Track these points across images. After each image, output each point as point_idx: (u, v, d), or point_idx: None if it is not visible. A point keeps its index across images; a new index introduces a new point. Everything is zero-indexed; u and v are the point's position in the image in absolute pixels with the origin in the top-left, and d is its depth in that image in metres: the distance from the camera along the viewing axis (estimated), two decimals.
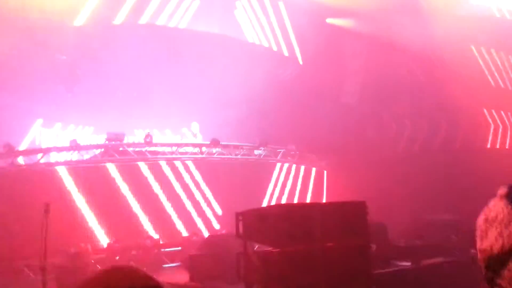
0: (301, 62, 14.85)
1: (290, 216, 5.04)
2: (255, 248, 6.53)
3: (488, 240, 0.83)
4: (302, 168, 13.27)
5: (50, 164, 11.20)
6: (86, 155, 11.76)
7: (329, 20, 14.41)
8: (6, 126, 13.99)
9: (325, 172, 13.97)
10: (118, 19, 12.47)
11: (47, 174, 10.73)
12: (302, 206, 5.33)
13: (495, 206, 0.83)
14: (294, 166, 13.07)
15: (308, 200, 12.71)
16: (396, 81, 14.10)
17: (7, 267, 9.39)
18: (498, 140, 16.12)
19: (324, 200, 13.27)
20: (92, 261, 9.50)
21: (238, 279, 5.68)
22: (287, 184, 12.70)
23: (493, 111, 16.15)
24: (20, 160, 11.48)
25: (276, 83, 13.80)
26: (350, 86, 14.45)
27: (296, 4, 13.99)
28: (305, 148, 13.60)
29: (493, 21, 15.70)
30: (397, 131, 15.21)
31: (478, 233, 0.89)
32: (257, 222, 5.22)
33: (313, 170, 13.54)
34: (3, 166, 11.09)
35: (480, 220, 0.86)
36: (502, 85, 16.48)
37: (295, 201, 12.44)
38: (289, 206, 5.06)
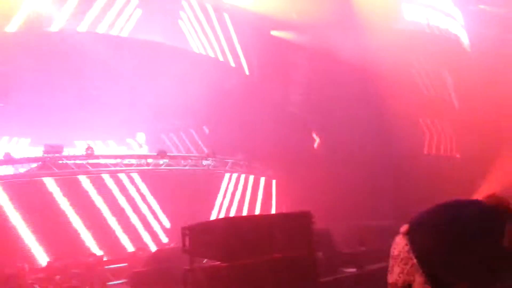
0: (247, 73, 15.01)
1: (236, 230, 5.04)
2: (203, 262, 6.46)
3: (393, 275, 0.89)
4: (251, 178, 13.35)
5: None
6: (22, 169, 11.06)
7: (274, 33, 14.72)
8: None
9: (273, 181, 14.15)
10: (55, 26, 11.90)
11: None
12: (247, 218, 5.36)
13: (398, 244, 0.88)
14: (243, 176, 13.11)
15: (257, 211, 12.79)
16: (335, 91, 14.66)
17: None
18: (434, 147, 17.25)
19: (273, 210, 13.42)
20: (30, 282, 8.91)
21: None
22: (236, 194, 12.71)
23: (428, 119, 17.28)
24: None
25: (223, 93, 13.82)
26: (294, 96, 14.80)
27: (241, 15, 14.16)
28: (253, 157, 13.71)
29: (423, 36, 16.95)
30: (338, 139, 15.76)
31: (388, 267, 0.94)
32: (204, 236, 5.17)
33: (262, 179, 13.67)
34: None
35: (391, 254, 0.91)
36: (433, 94, 17.68)
37: (245, 211, 12.46)
38: (235, 219, 5.07)
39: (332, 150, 15.21)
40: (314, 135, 16.19)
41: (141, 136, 12.42)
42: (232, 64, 14.40)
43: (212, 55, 14.06)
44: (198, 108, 14.36)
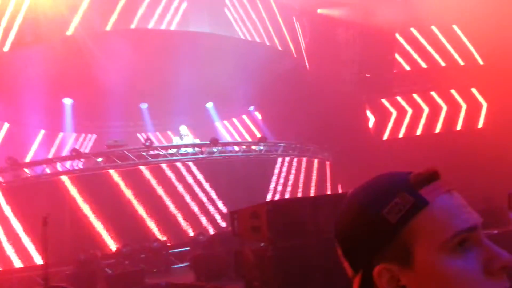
0: (295, 55, 14.82)
1: (282, 212, 5.10)
2: (256, 245, 6.63)
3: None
4: (304, 160, 13.29)
5: (54, 174, 11.40)
6: (88, 164, 11.95)
7: (320, 11, 14.35)
8: (9, 139, 14.28)
9: (327, 163, 13.98)
10: (109, 25, 12.55)
11: (51, 184, 10.93)
12: (293, 201, 5.38)
13: None
14: (295, 159, 13.09)
15: (312, 193, 12.75)
16: (389, 67, 14.09)
17: (20, 277, 9.64)
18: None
19: (328, 191, 13.30)
20: (102, 266, 9.71)
21: (238, 277, 5.77)
22: (290, 177, 12.73)
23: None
24: (25, 172, 11.68)
25: (272, 77, 13.81)
26: (346, 75, 14.41)
27: None
28: (306, 140, 13.61)
29: None
30: (397, 117, 15.17)
31: None
32: (251, 220, 5.29)
33: (315, 162, 13.56)
34: (9, 180, 11.32)
35: None
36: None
37: (299, 194, 12.49)
38: (280, 202, 5.12)
39: (388, 128, 14.71)
40: (369, 114, 15.70)
41: (183, 128, 12.88)
42: (280, 48, 14.29)
43: (259, 40, 14.06)
44: (248, 94, 14.53)
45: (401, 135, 15.05)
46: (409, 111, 15.24)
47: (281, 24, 14.30)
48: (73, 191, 10.68)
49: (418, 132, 15.04)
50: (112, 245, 10.54)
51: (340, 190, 13.29)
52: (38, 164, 11.71)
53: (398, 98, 15.26)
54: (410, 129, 14.99)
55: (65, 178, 10.94)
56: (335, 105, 13.74)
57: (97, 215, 10.55)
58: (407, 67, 15.11)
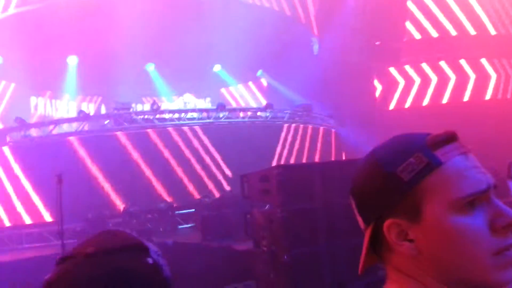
0: (304, 22, 14.59)
1: (292, 176, 5.22)
2: (263, 208, 6.82)
3: None
4: (310, 128, 13.36)
5: (62, 135, 11.53)
6: (96, 125, 12.05)
7: None
8: (16, 99, 14.33)
9: (333, 131, 14.06)
10: None
11: (59, 144, 11.08)
12: (301, 166, 5.51)
13: None
14: (301, 126, 13.16)
15: (317, 160, 12.90)
16: (399, 36, 13.86)
17: (28, 235, 9.97)
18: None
19: (333, 159, 13.44)
20: (110, 225, 9.99)
21: (246, 237, 5.99)
22: (295, 144, 12.85)
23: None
24: (33, 132, 11.80)
25: (282, 44, 13.65)
26: (353, 43, 14.19)
27: None
28: (313, 108, 13.60)
29: None
30: (405, 87, 15.08)
31: None
32: (260, 183, 5.43)
33: (321, 129, 13.63)
34: (17, 139, 11.46)
35: None
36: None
37: (304, 161, 12.64)
38: (290, 166, 5.24)
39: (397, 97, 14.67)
40: (376, 83, 15.59)
41: (188, 96, 12.91)
42: (288, 13, 14.05)
43: (267, 4, 13.80)
44: (256, 59, 14.40)
45: (407, 105, 15.02)
46: (417, 80, 15.13)
47: None
48: (81, 152, 10.84)
49: (425, 102, 14.99)
50: (120, 205, 10.81)
51: (344, 158, 13.42)
52: (45, 125, 11.81)
53: (407, 67, 15.11)
54: (417, 99, 14.93)
55: (73, 139, 11.07)
56: (342, 73, 13.63)
57: (105, 176, 10.76)
58: (417, 36, 14.87)
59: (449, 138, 0.78)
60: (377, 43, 14.13)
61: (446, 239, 0.73)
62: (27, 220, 10.75)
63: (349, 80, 13.65)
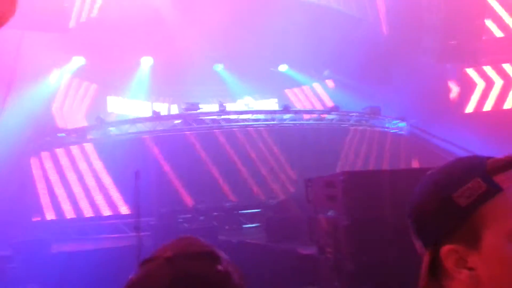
0: (373, 21, 14.13)
1: (359, 183, 5.14)
2: (328, 214, 6.78)
3: None
4: (378, 132, 12.94)
5: (137, 134, 12.30)
6: (167, 124, 12.69)
7: None
8: (95, 99, 15.49)
9: (402, 135, 13.49)
10: None
11: (135, 142, 11.83)
12: (369, 173, 5.39)
13: None
14: (368, 130, 12.79)
15: (384, 166, 12.47)
16: (477, 34, 12.95)
17: (107, 226, 10.77)
18: None
19: (402, 166, 12.89)
20: (180, 220, 10.49)
21: (311, 242, 6.00)
22: (361, 149, 12.52)
23: None
24: (111, 130, 12.71)
25: (350, 44, 13.37)
26: (426, 42, 13.49)
27: None
28: (381, 111, 13.16)
29: None
30: (485, 88, 14.06)
31: None
32: (325, 189, 5.41)
33: (389, 134, 13.14)
34: (97, 137, 12.44)
35: None
36: None
37: (370, 166, 12.29)
38: (357, 173, 5.15)
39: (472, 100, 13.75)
40: (451, 85, 14.73)
41: (248, 99, 13.07)
42: (358, 15, 13.73)
43: (335, 5, 13.59)
44: (322, 60, 14.26)
45: (486, 108, 13.98)
46: (498, 82, 14.02)
47: None
48: (155, 150, 11.50)
49: (507, 105, 13.85)
50: (189, 201, 11.29)
51: (414, 165, 12.82)
52: (122, 124, 12.66)
53: (486, 68, 14.07)
54: (498, 102, 13.84)
55: (147, 138, 11.78)
56: (414, 75, 13.04)
57: (176, 173, 11.30)
58: (499, 34, 13.78)
59: (511, 162, 0.75)
60: (453, 42, 13.33)
61: (507, 268, 0.70)
62: (106, 212, 11.63)
63: (420, 81, 13.02)
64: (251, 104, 13.15)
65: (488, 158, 0.78)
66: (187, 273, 0.82)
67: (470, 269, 0.73)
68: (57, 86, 14.23)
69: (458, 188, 0.74)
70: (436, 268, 0.78)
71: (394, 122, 13.32)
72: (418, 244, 0.81)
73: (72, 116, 14.59)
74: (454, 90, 14.42)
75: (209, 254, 0.86)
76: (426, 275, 0.78)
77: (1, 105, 10.92)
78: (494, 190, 0.73)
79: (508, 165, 0.75)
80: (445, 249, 0.74)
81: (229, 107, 13.70)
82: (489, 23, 13.82)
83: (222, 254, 0.87)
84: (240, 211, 11.04)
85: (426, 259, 0.78)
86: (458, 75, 14.30)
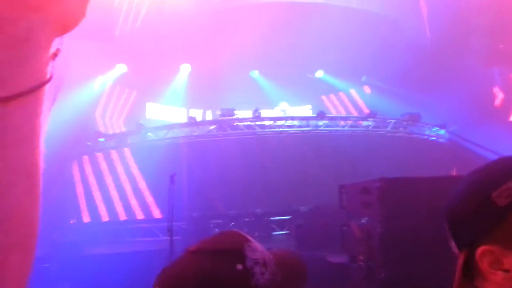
0: (414, 24, 13.70)
1: (395, 190, 4.94)
2: (361, 221, 6.56)
3: None
4: (414, 139, 12.50)
5: (174, 139, 12.53)
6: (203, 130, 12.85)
7: None
8: (135, 105, 15.96)
9: (443, 142, 12.95)
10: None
11: (171, 147, 12.05)
12: (406, 179, 5.17)
13: None
14: (405, 137, 12.38)
15: (423, 174, 11.98)
16: None
17: (140, 229, 10.97)
18: None
19: (442, 174, 12.35)
20: (211, 225, 10.54)
21: (341, 249, 5.81)
22: (398, 156, 12.10)
23: None
24: (149, 136, 13.02)
25: (388, 49, 13.05)
26: (473, 45, 12.88)
27: None
28: (422, 117, 12.69)
29: None
30: None
31: None
32: (360, 195, 5.23)
33: (428, 141, 12.66)
34: (135, 142, 12.77)
35: None
36: None
37: (406, 173, 11.83)
38: (394, 180, 4.94)
39: None
40: (496, 91, 13.99)
41: (284, 105, 12.98)
42: (398, 16, 13.38)
43: (375, 9, 13.31)
44: (361, 65, 13.99)
45: None
46: None
47: None
48: (190, 155, 11.65)
49: None
50: (220, 206, 11.31)
51: (453, 173, 12.26)
52: (160, 129, 12.94)
53: None
54: None
55: (183, 143, 11.96)
56: (457, 80, 12.49)
57: (208, 179, 11.37)
58: None
59: None
60: (501, 45, 12.67)
61: None
62: (140, 216, 11.87)
63: (464, 86, 12.45)
64: (287, 110, 13.06)
65: None
66: (200, 268, 0.83)
67: (506, 270, 0.72)
68: (100, 93, 14.77)
69: (497, 187, 0.73)
70: (470, 270, 0.76)
71: (434, 129, 12.80)
72: (453, 246, 0.80)
73: (113, 121, 15.11)
74: (499, 96, 13.69)
75: (234, 252, 0.86)
76: (459, 277, 0.76)
77: (49, 109, 11.47)
78: None
79: None
80: (481, 249, 0.73)
81: (265, 113, 13.72)
82: None
83: (251, 253, 0.86)
84: (271, 218, 10.93)
85: (460, 260, 0.77)
86: (505, 81, 13.57)
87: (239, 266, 0.83)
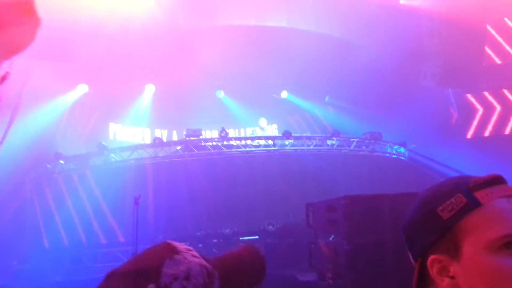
0: (373, 48, 14.31)
1: (360, 207, 5.05)
2: (329, 239, 6.63)
3: None
4: (378, 157, 12.89)
5: (138, 160, 12.28)
6: (169, 151, 12.69)
7: (403, 1, 13.69)
8: (96, 126, 15.57)
9: (404, 160, 13.42)
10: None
11: (136, 169, 11.79)
12: (370, 197, 5.30)
13: None
14: (369, 155, 12.75)
15: (386, 191, 12.31)
16: (477, 60, 13.07)
17: (101, 253, 10.56)
18: None
19: (403, 191, 12.76)
20: None
21: (310, 268, 5.84)
22: (362, 174, 12.42)
23: None
24: (112, 157, 12.70)
25: (347, 70, 13.55)
26: (427, 68, 13.61)
27: None
28: (383, 136, 13.14)
29: None
30: (484, 113, 14.07)
31: None
32: (326, 213, 5.31)
33: (390, 159, 13.09)
34: (98, 164, 12.41)
35: None
36: None
37: (372, 191, 12.13)
38: (358, 197, 5.06)
39: (474, 125, 13.74)
40: (453, 110, 14.75)
41: (263, 121, 13.10)
42: (357, 40, 13.94)
43: (336, 33, 13.83)
44: (322, 86, 14.39)
45: (487, 133, 13.95)
46: (498, 108, 14.04)
47: (360, 15, 13.91)
48: (155, 176, 11.43)
49: (507, 131, 13.83)
50: (187, 228, 11.11)
51: (414, 190, 12.69)
52: (124, 150, 12.66)
53: (486, 93, 14.13)
54: (498, 127, 13.82)
55: (148, 164, 11.74)
56: (415, 100, 13.09)
57: (174, 200, 11.18)
58: (498, 61, 13.92)
59: (493, 180, 0.81)
60: (453, 67, 13.44)
61: (483, 277, 0.75)
62: (103, 240, 11.44)
63: (421, 106, 13.05)
64: (263, 126, 13.12)
65: (474, 177, 0.84)
66: None
67: (451, 277, 0.79)
68: (61, 113, 14.33)
69: (442, 203, 0.81)
70: (424, 278, 0.84)
71: (395, 147, 13.28)
72: (410, 257, 0.88)
73: (74, 143, 14.63)
74: (455, 115, 14.43)
75: (148, 271, 0.81)
76: (415, 285, 0.84)
77: (6, 129, 10.98)
78: (473, 204, 0.79)
79: (487, 182, 0.81)
80: (430, 259, 0.81)
81: (232, 133, 13.74)
82: (488, 50, 13.98)
83: (168, 270, 0.81)
84: (240, 238, 10.84)
85: (415, 269, 0.84)
86: (459, 101, 14.35)
87: (151, 287, 0.79)
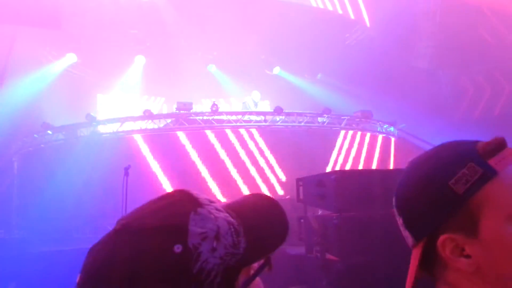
0: (368, 25, 14.20)
1: (349, 182, 5.07)
2: (319, 213, 6.71)
3: None
4: (368, 135, 12.97)
5: (127, 132, 12.14)
6: (159, 124, 12.57)
7: None
8: (85, 97, 15.31)
9: (392, 139, 13.54)
10: None
11: (125, 141, 11.68)
12: (360, 172, 5.33)
13: None
14: (359, 133, 12.81)
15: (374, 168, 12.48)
16: (471, 41, 13.07)
17: (92, 226, 10.55)
18: None
19: (391, 168, 12.94)
20: None
21: (299, 241, 5.90)
22: (352, 151, 12.53)
23: None
24: (101, 128, 12.54)
25: (342, 47, 13.44)
26: (421, 48, 13.59)
27: None
28: (373, 114, 13.20)
29: None
30: (475, 95, 14.17)
31: None
32: (316, 188, 5.33)
33: (380, 137, 13.18)
34: (86, 134, 12.25)
35: None
36: None
37: (360, 168, 12.29)
38: (348, 172, 5.08)
39: (465, 107, 13.85)
40: (444, 90, 14.82)
41: (256, 94, 12.97)
42: (352, 16, 13.78)
43: (330, 8, 13.62)
44: (316, 63, 14.28)
45: (478, 114, 14.10)
46: (489, 88, 14.15)
47: None
48: (145, 149, 11.35)
49: (497, 111, 13.99)
50: None
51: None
52: (113, 122, 12.49)
53: (478, 74, 14.20)
54: (488, 108, 13.97)
55: (138, 137, 11.62)
56: (407, 80, 13.12)
57: (164, 173, 11.16)
58: (491, 42, 13.93)
59: (501, 144, 0.74)
60: (447, 48, 13.43)
61: (506, 254, 0.69)
62: (91, 211, 11.39)
63: (413, 86, 13.10)
64: (257, 100, 12.97)
65: (475, 142, 0.76)
66: (123, 252, 0.64)
67: (467, 256, 0.72)
68: (48, 83, 14.01)
69: (453, 175, 0.72)
70: (429, 259, 0.76)
71: (385, 126, 13.35)
72: (407, 237, 0.79)
73: (62, 113, 14.38)
74: (447, 95, 14.52)
75: (172, 227, 0.66)
76: (417, 268, 0.76)
77: None
78: (489, 173, 0.71)
79: (498, 147, 0.74)
80: (442, 238, 0.73)
81: (223, 107, 13.61)
82: (483, 31, 13.96)
83: (196, 228, 0.67)
84: None
85: (417, 251, 0.76)
86: (451, 81, 14.41)
87: (178, 248, 0.64)
